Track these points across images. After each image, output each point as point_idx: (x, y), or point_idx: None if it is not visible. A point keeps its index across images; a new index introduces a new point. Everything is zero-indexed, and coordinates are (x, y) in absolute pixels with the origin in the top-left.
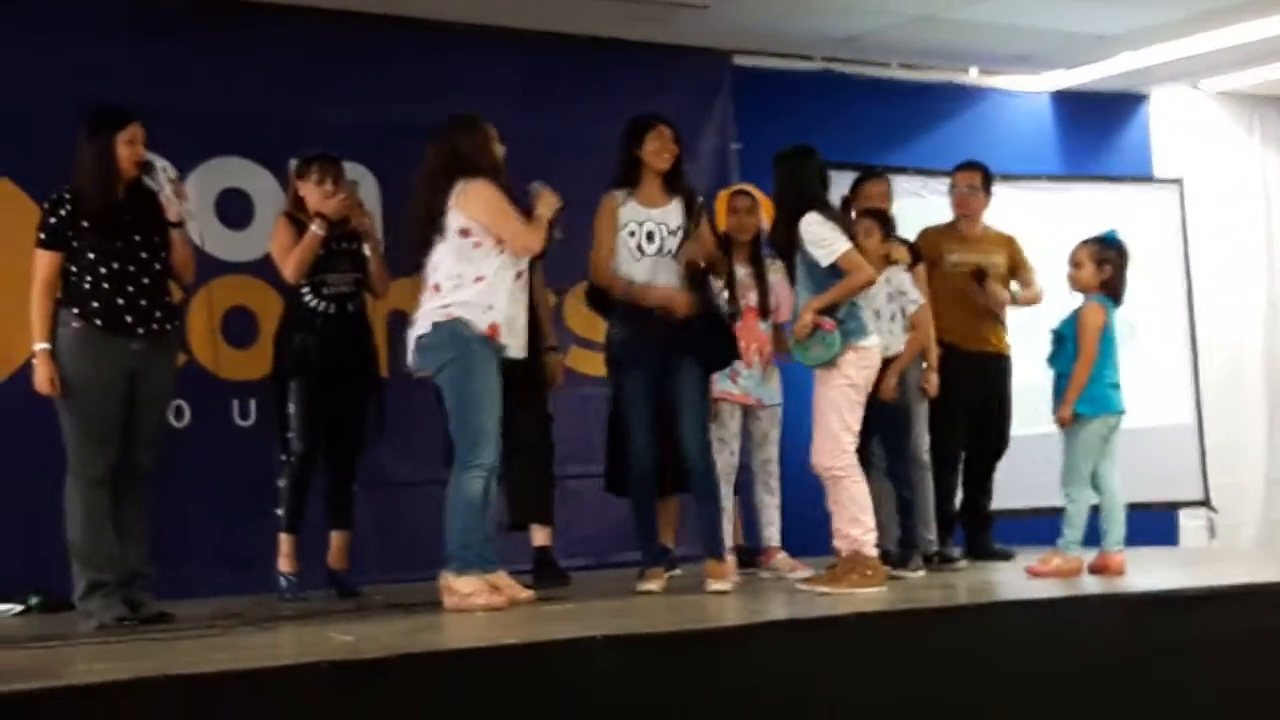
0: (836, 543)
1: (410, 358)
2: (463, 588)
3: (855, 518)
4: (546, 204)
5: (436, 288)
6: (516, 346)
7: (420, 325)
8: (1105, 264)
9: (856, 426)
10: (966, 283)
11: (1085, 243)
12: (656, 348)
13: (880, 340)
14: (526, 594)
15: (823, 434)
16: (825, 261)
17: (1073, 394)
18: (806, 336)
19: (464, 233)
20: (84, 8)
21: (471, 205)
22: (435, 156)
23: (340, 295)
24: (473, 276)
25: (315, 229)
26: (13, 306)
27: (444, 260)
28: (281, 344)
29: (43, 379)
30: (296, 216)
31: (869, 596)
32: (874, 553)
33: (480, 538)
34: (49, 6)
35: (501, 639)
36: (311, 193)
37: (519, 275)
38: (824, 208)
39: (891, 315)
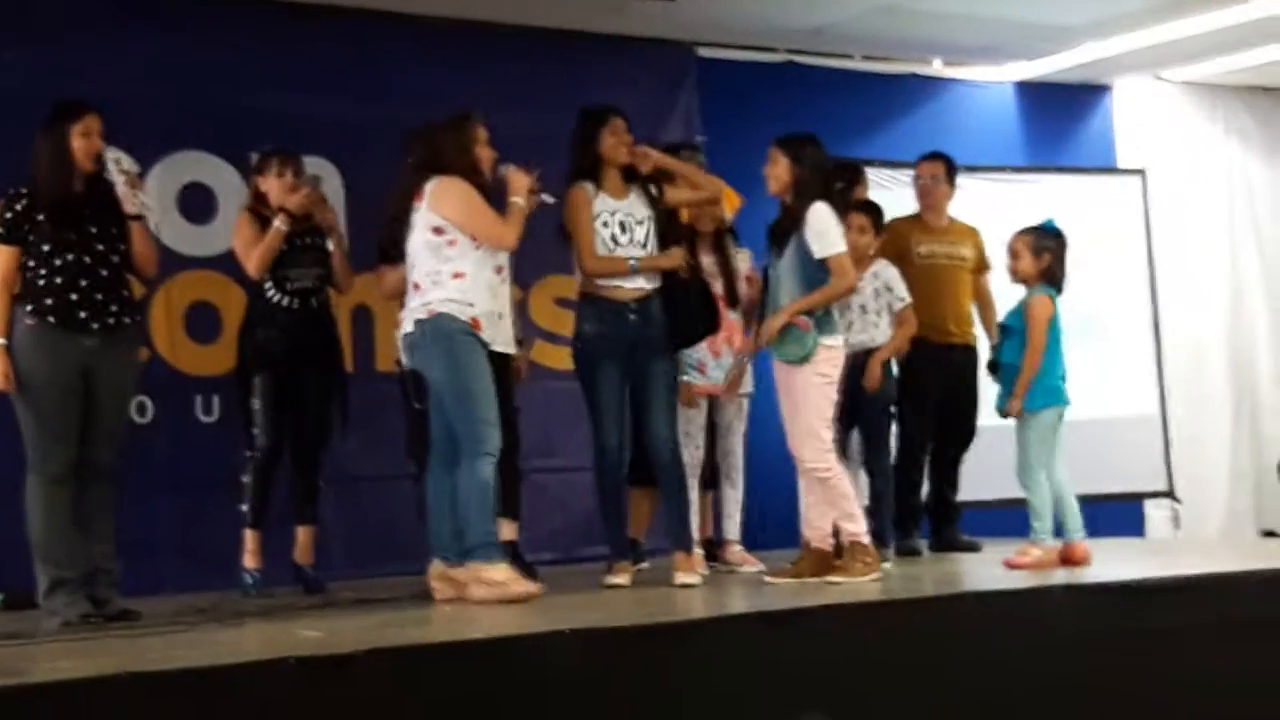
0: (806, 532)
1: (403, 357)
2: (497, 575)
3: (849, 512)
4: (517, 186)
5: (417, 286)
6: (501, 340)
7: (406, 324)
8: (1044, 253)
9: (831, 419)
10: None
11: (1021, 232)
12: (626, 342)
13: (866, 334)
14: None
15: (803, 431)
16: (818, 255)
17: (1023, 385)
18: (781, 334)
19: (437, 230)
20: (46, 1)
21: (442, 203)
22: (414, 152)
23: (304, 290)
24: (450, 273)
25: (279, 224)
26: None
27: (420, 258)
28: (245, 339)
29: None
30: (259, 211)
31: (871, 584)
32: (868, 541)
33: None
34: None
35: (468, 634)
36: (273, 187)
37: (499, 270)
38: (832, 201)
39: (878, 310)
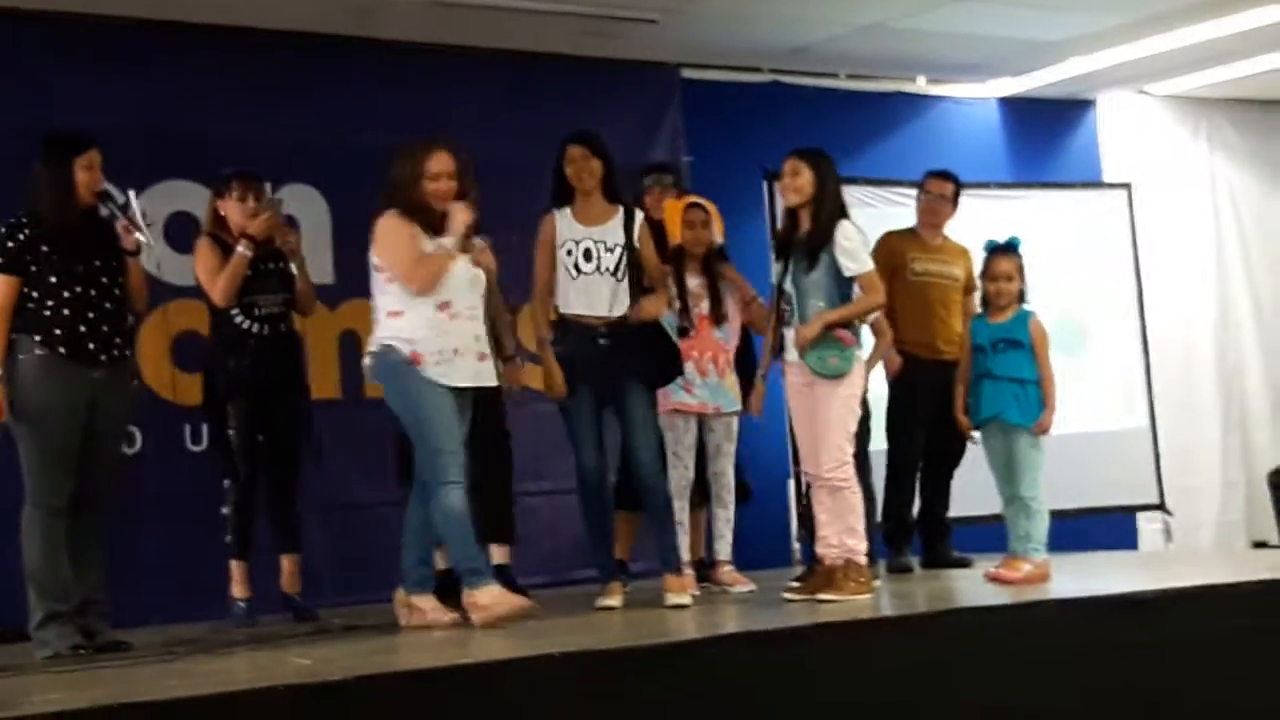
0: (820, 549)
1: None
2: (483, 599)
3: (853, 527)
4: (454, 227)
5: (374, 319)
6: (467, 375)
7: (366, 356)
8: (1022, 272)
9: (854, 433)
10: None
11: (1008, 254)
12: (600, 365)
13: None
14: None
15: (827, 445)
16: (849, 273)
17: (1052, 403)
18: (817, 343)
19: (377, 268)
20: (33, 32)
21: (376, 242)
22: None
23: (272, 316)
24: (387, 311)
25: (243, 249)
26: None
27: (374, 292)
28: (215, 368)
29: None
30: (219, 237)
31: (864, 603)
32: (865, 561)
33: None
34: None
35: (460, 659)
36: (234, 211)
37: (443, 307)
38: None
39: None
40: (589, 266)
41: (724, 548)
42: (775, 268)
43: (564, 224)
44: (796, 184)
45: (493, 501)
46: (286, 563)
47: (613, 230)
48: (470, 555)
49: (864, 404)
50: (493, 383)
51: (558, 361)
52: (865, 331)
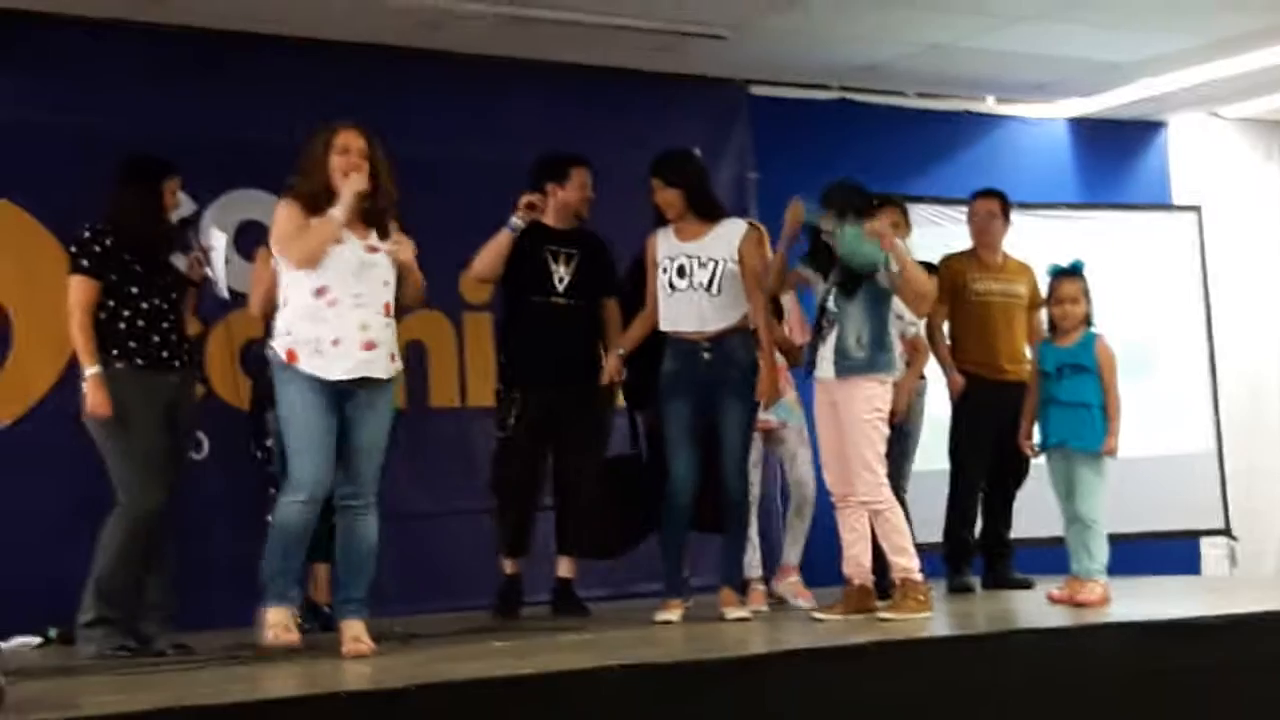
0: (847, 570)
1: None
2: (269, 618)
3: (903, 548)
4: (345, 195)
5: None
6: (347, 367)
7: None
8: (1088, 295)
9: (883, 453)
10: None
11: (1072, 277)
12: (701, 382)
13: None
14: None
15: (859, 467)
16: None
17: (1115, 425)
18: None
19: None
20: (98, 39)
21: (271, 228)
22: None
23: None
24: (278, 301)
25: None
26: (31, 338)
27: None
28: (258, 376)
29: (99, 402)
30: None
31: (923, 621)
32: (921, 578)
33: (297, 570)
34: (63, 36)
35: (520, 669)
36: None
37: (320, 292)
38: None
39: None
40: (682, 283)
41: (794, 553)
42: (818, 284)
43: (663, 241)
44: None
45: (580, 514)
46: (319, 571)
47: (709, 245)
48: (278, 572)
49: (907, 423)
50: (381, 374)
51: (661, 377)
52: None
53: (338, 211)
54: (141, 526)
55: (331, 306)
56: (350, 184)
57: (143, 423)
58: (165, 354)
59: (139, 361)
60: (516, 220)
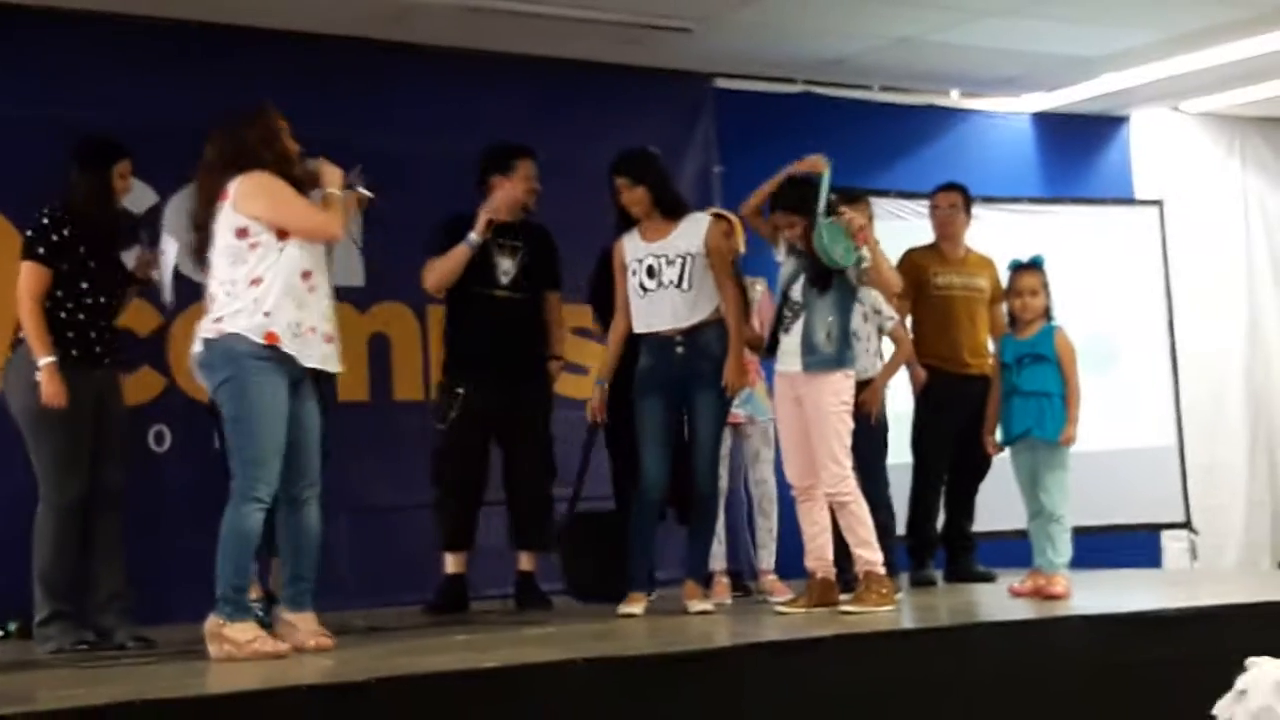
0: (809, 563)
1: (197, 377)
2: (239, 635)
3: (866, 540)
4: (330, 179)
5: (212, 298)
6: (317, 356)
7: (195, 343)
8: (1047, 288)
9: (849, 445)
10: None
11: (1031, 270)
12: (675, 376)
13: (864, 362)
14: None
15: (825, 459)
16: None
17: (1074, 414)
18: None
19: (241, 233)
20: (67, 31)
21: (249, 200)
22: (214, 150)
23: None
24: (248, 280)
25: None
26: None
27: (219, 266)
28: None
29: (54, 393)
30: None
31: (888, 615)
32: (883, 571)
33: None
34: (30, 29)
35: (482, 662)
36: None
37: (306, 276)
38: None
39: (867, 335)
40: (653, 283)
41: (766, 557)
42: (785, 270)
43: (630, 245)
44: (795, 234)
45: (530, 507)
46: (276, 564)
47: (675, 242)
48: (240, 585)
49: (883, 418)
50: (335, 369)
51: (637, 374)
52: (870, 344)
53: (336, 190)
54: (67, 517)
55: (312, 293)
56: (332, 166)
57: (68, 416)
58: (99, 349)
59: (74, 354)
60: (474, 236)
